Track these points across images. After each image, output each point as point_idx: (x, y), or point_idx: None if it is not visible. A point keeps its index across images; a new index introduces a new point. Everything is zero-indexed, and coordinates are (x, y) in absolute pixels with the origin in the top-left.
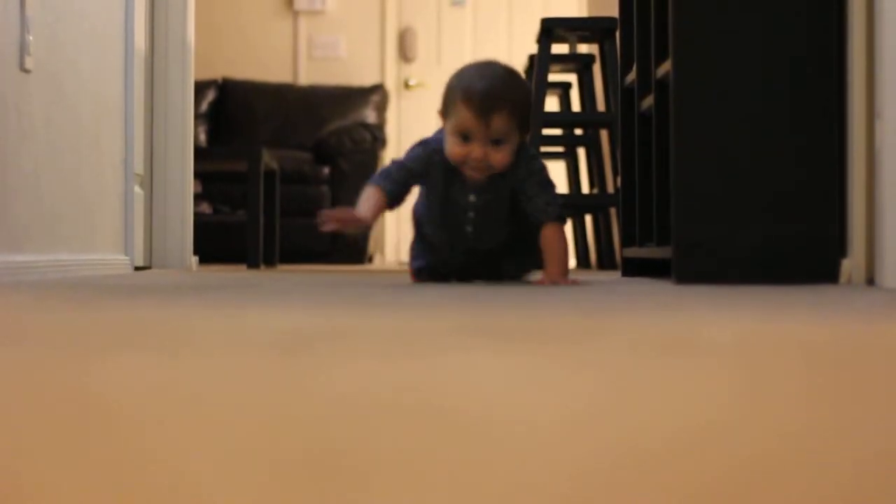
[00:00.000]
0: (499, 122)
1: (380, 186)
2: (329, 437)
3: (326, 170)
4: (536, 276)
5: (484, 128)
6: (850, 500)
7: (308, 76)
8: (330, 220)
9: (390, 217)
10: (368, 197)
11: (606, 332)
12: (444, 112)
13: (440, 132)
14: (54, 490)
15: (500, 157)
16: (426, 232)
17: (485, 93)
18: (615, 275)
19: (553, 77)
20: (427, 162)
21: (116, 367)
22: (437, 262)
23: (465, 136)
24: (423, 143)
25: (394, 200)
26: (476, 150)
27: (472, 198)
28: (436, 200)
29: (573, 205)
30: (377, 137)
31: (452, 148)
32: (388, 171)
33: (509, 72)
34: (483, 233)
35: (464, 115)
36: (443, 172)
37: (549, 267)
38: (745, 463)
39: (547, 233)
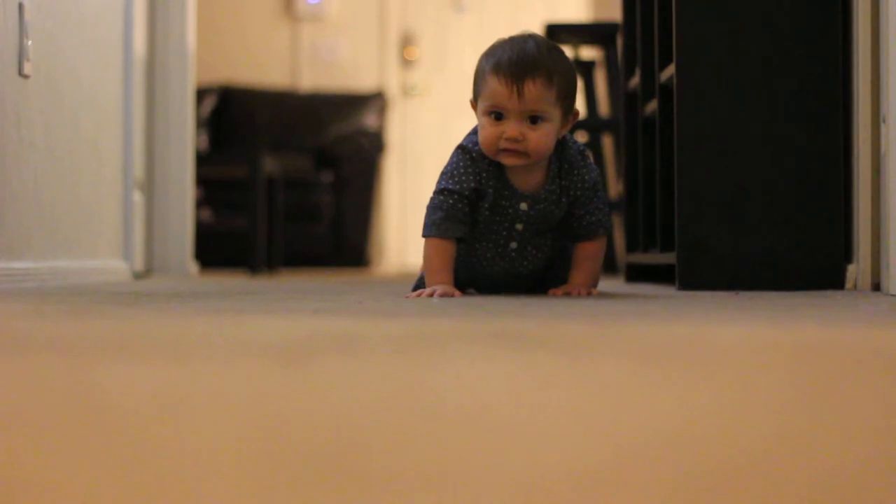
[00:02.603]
0: (534, 91)
1: (448, 239)
2: (330, 440)
3: (328, 175)
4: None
5: (517, 99)
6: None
7: (309, 81)
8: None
9: (392, 220)
10: (442, 257)
11: (610, 337)
12: (475, 96)
13: (473, 133)
14: (58, 493)
15: (538, 137)
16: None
17: (516, 57)
18: (619, 280)
19: None
20: (476, 170)
21: (118, 376)
22: (460, 277)
23: (497, 115)
24: (462, 150)
25: (466, 236)
26: (511, 129)
27: (523, 206)
28: (486, 207)
29: None
30: (379, 143)
31: (484, 131)
32: (447, 209)
33: (546, 41)
34: (528, 254)
35: (494, 88)
36: (496, 175)
37: (578, 276)
38: (741, 465)
39: (590, 245)
